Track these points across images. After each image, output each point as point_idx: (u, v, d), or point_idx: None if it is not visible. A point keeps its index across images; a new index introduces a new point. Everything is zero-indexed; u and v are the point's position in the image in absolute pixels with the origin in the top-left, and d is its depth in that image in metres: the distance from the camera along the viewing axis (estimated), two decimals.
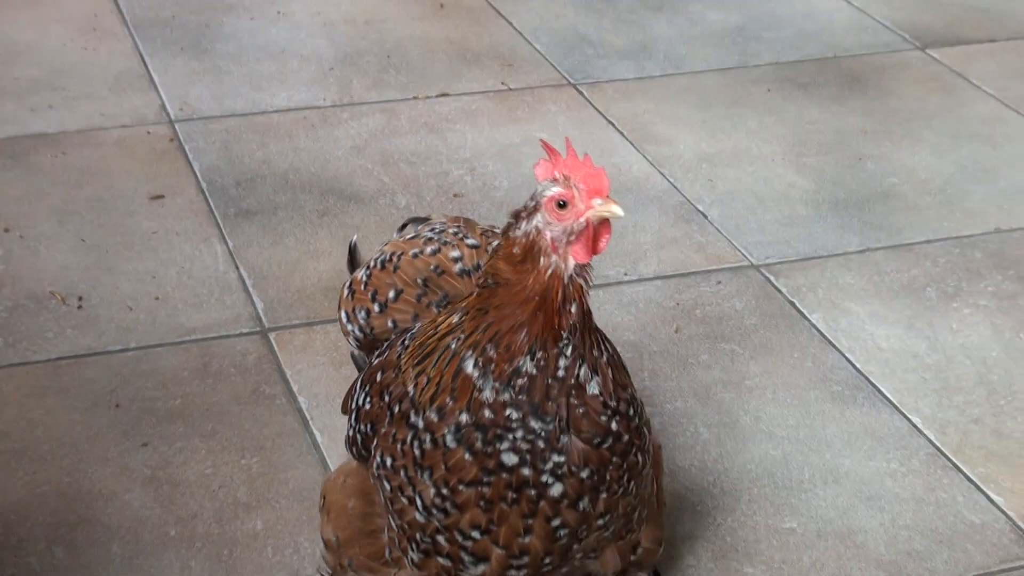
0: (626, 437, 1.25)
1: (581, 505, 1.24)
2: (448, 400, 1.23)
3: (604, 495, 1.25)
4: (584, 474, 1.22)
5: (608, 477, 1.24)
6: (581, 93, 2.62)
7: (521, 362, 1.20)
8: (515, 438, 1.21)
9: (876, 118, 2.60)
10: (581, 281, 1.21)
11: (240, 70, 2.64)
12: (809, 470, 1.80)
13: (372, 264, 1.48)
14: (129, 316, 2.01)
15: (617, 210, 1.19)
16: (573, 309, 1.21)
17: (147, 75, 2.59)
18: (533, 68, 2.71)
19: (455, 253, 1.41)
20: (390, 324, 1.43)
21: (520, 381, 1.20)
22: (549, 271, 1.20)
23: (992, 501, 1.77)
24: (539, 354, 1.20)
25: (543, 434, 1.21)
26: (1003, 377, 1.98)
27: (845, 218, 2.31)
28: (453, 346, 1.24)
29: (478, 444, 1.21)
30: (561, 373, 1.21)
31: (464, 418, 1.22)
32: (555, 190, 1.19)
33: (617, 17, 2.94)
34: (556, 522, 1.24)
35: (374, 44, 2.78)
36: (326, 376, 1.92)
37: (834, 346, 2.02)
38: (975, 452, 1.85)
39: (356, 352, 1.50)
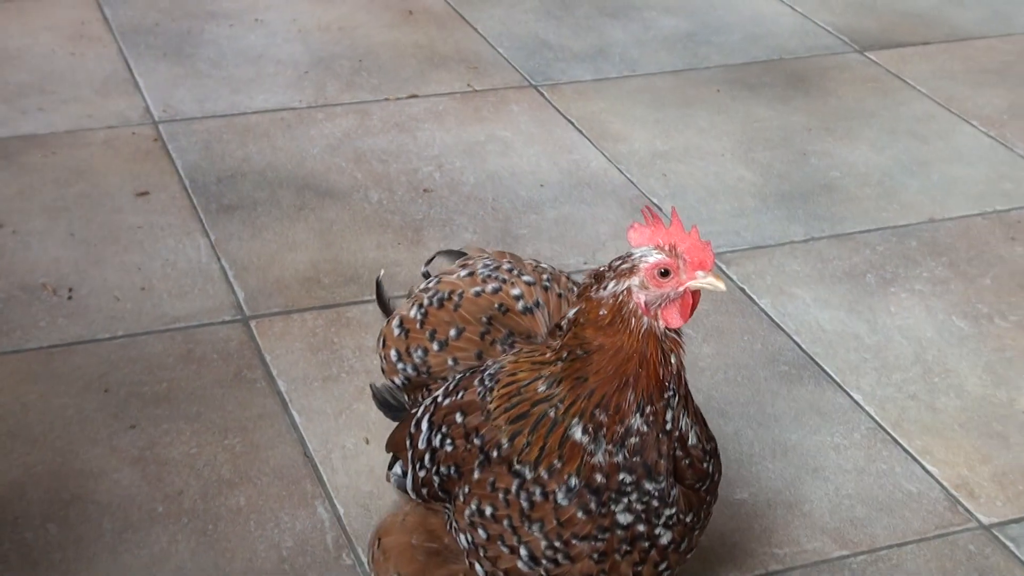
0: (717, 476, 1.27)
1: (683, 546, 1.25)
2: (556, 462, 1.21)
3: (697, 531, 1.27)
4: (688, 519, 1.23)
5: (703, 515, 1.26)
6: (542, 94, 2.62)
7: (632, 421, 1.19)
8: (630, 500, 1.20)
9: (819, 116, 2.61)
10: (675, 335, 1.20)
11: (220, 74, 2.63)
12: (759, 444, 1.81)
13: (426, 302, 1.43)
14: (117, 306, 2.00)
15: (720, 285, 1.18)
16: (673, 361, 1.20)
17: (132, 79, 2.58)
18: (497, 71, 2.70)
19: (516, 291, 1.38)
20: (450, 362, 1.38)
21: (632, 440, 1.19)
22: (643, 330, 1.18)
23: (928, 472, 1.78)
24: (648, 409, 1.19)
25: (657, 493, 1.20)
26: (937, 356, 1.99)
27: (790, 209, 2.32)
28: (552, 414, 1.21)
29: (592, 505, 1.20)
30: (668, 426, 1.20)
31: (574, 481, 1.20)
32: (658, 257, 1.17)
33: (575, 23, 2.94)
34: (663, 566, 1.24)
35: (347, 49, 2.77)
36: (303, 360, 1.91)
37: (781, 329, 2.03)
38: (912, 426, 1.85)
39: (391, 387, 1.47)
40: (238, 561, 1.58)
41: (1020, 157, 2.52)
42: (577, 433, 1.20)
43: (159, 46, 2.74)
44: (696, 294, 1.19)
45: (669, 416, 1.20)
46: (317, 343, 1.95)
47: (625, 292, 1.18)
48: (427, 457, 1.31)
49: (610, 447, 1.19)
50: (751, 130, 2.55)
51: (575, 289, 1.40)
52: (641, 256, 1.17)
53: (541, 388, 1.22)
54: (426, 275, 1.50)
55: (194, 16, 2.88)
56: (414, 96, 2.60)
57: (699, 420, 1.25)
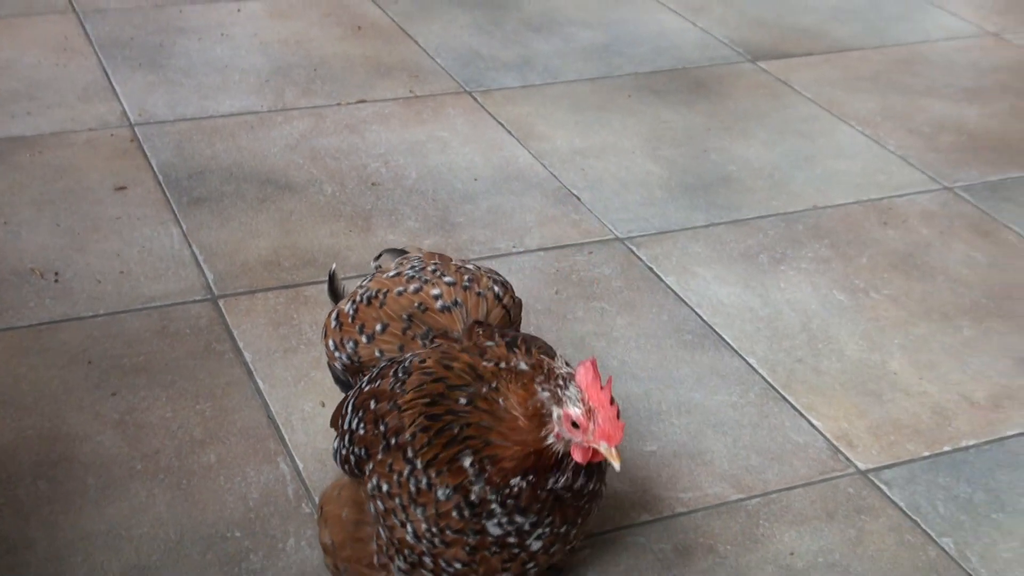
0: (602, 489, 1.26)
1: (553, 550, 1.24)
2: (444, 470, 1.20)
3: (573, 532, 1.26)
4: (562, 529, 1.23)
5: (580, 520, 1.25)
6: (475, 99, 2.62)
7: (514, 481, 1.19)
8: (500, 522, 1.20)
9: (717, 118, 2.63)
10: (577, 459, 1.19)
11: (190, 82, 2.61)
12: (666, 403, 1.81)
13: (358, 299, 1.44)
14: (98, 288, 1.98)
15: (616, 465, 1.16)
16: (565, 478, 1.21)
17: (110, 87, 2.56)
18: (435, 79, 2.70)
19: (436, 291, 1.37)
20: (377, 353, 1.38)
21: (509, 492, 1.19)
22: (546, 446, 1.18)
23: (813, 425, 1.80)
24: (531, 479, 1.19)
25: (529, 523, 1.21)
26: (820, 326, 2.01)
27: (693, 199, 2.33)
28: (456, 431, 1.21)
29: (466, 512, 1.20)
30: (549, 485, 1.20)
31: (453, 495, 1.20)
32: (575, 411, 1.16)
33: (504, 37, 2.94)
34: (530, 564, 1.24)
35: (303, 60, 2.76)
36: (267, 334, 1.91)
37: (685, 303, 2.04)
38: (799, 386, 1.87)
39: (339, 369, 1.46)
40: (209, 512, 1.58)
41: (891, 153, 2.55)
42: (466, 462, 1.20)
43: (135, 57, 2.72)
44: (597, 453, 1.18)
45: (550, 481, 1.20)
46: (278, 319, 1.94)
47: (548, 411, 1.18)
48: (347, 437, 1.32)
49: (487, 488, 1.19)
50: (658, 130, 2.56)
51: (494, 288, 1.42)
52: (569, 399, 1.17)
53: (462, 401, 1.22)
54: (377, 268, 1.51)
55: (166, 31, 2.86)
56: (363, 101, 2.59)
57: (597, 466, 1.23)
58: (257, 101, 2.57)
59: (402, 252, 1.50)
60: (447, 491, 1.20)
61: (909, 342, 1.98)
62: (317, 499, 1.60)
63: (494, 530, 1.20)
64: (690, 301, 2.04)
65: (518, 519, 1.20)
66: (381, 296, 1.42)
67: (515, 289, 1.98)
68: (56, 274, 2.01)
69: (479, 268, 1.43)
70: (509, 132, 2.51)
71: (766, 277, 2.11)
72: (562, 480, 1.20)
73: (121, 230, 2.13)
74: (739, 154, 2.49)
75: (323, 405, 1.76)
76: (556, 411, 1.17)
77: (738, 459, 1.72)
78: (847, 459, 1.74)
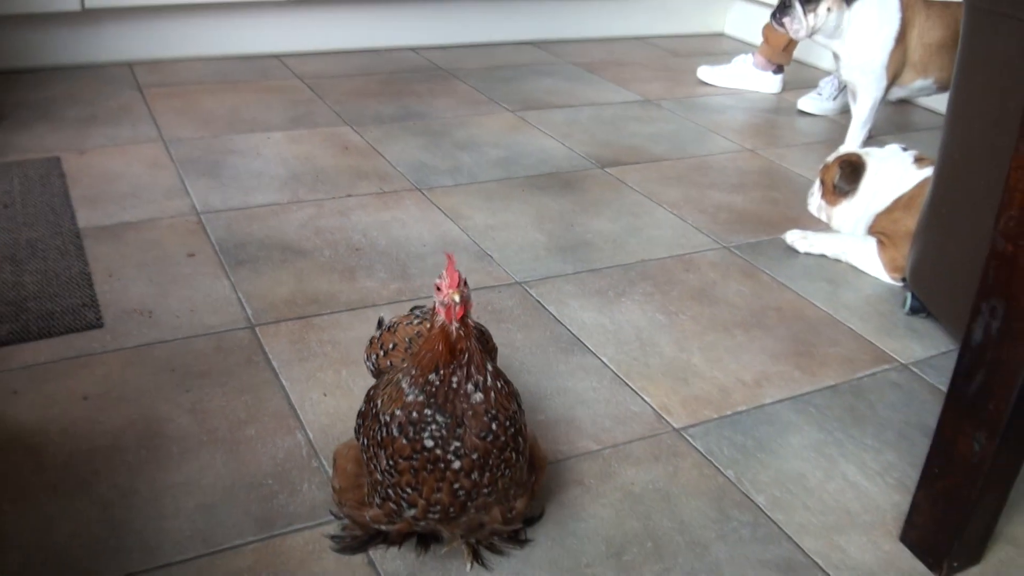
0: (503, 437, 1.21)
1: (472, 476, 1.20)
2: (394, 406, 1.20)
3: (487, 473, 1.21)
4: (474, 456, 1.19)
5: (490, 461, 1.21)
6: (423, 194, 2.61)
7: (430, 376, 1.18)
8: (431, 429, 1.18)
9: (579, 204, 2.64)
10: (462, 332, 1.18)
11: (235, 185, 2.58)
12: (549, 389, 1.82)
13: (384, 327, 1.46)
14: (177, 320, 1.95)
15: (455, 296, 1.17)
16: (459, 346, 1.18)
17: (185, 189, 2.52)
18: (397, 181, 2.69)
19: (429, 325, 1.38)
20: (388, 364, 1.40)
21: (429, 388, 1.18)
22: (438, 325, 1.18)
23: (645, 400, 1.81)
24: (441, 371, 1.18)
25: (445, 426, 1.18)
26: (648, 336, 2.02)
27: (565, 256, 2.34)
28: (399, 377, 1.22)
29: (411, 433, 1.18)
30: (454, 385, 1.18)
31: (400, 414, 1.19)
32: (436, 281, 1.18)
33: (442, 153, 2.94)
34: (456, 485, 1.20)
35: (310, 169, 2.74)
36: (288, 349, 1.89)
37: (561, 323, 2.05)
38: (635, 375, 1.88)
39: (371, 373, 1.49)
40: (251, 467, 1.56)
41: (689, 225, 2.57)
42: (404, 383, 1.20)
43: (200, 169, 2.68)
44: (462, 306, 1.18)
45: (455, 380, 1.18)
46: (295, 339, 1.92)
47: (434, 305, 1.20)
48: (358, 415, 1.32)
49: (416, 389, 1.19)
50: (542, 212, 2.57)
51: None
52: (435, 282, 1.19)
53: (404, 364, 1.26)
54: (415, 308, 1.52)
55: (221, 152, 2.84)
56: (349, 195, 2.58)
57: (492, 394, 1.21)
58: (280, 196, 2.55)
59: (422, 307, 1.52)
60: (397, 423, 1.19)
61: (704, 345, 2.00)
62: (323, 457, 1.59)
63: (428, 442, 1.18)
64: (564, 322, 2.05)
65: (439, 418, 1.17)
66: (395, 327, 1.45)
67: None
68: (150, 312, 1.98)
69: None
70: (446, 215, 2.51)
71: (612, 306, 2.12)
72: (457, 372, 1.18)
73: (191, 283, 2.10)
74: (593, 227, 2.50)
75: (324, 396, 1.75)
76: (435, 297, 1.19)
77: (597, 424, 1.73)
78: (667, 422, 1.75)
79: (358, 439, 1.31)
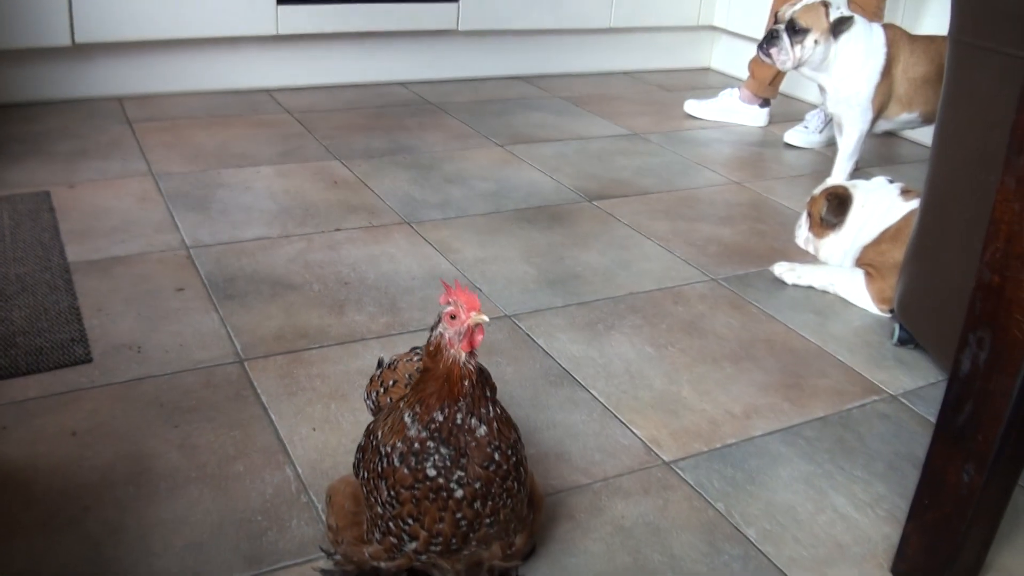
0: (505, 466, 1.20)
1: (475, 506, 1.19)
2: (395, 438, 1.19)
3: (490, 502, 1.20)
4: (476, 485, 1.18)
5: (493, 490, 1.19)
6: (412, 228, 2.62)
7: (435, 414, 1.17)
8: (434, 459, 1.16)
9: (568, 237, 2.65)
10: (471, 367, 1.17)
11: (225, 219, 2.59)
12: (539, 422, 1.82)
13: (384, 366, 1.46)
14: (166, 355, 1.95)
15: (484, 318, 1.16)
16: (466, 384, 1.17)
17: (174, 223, 2.52)
18: (386, 215, 2.70)
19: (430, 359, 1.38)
20: (388, 400, 1.39)
21: (433, 425, 1.16)
22: (450, 360, 1.16)
23: (634, 433, 1.81)
24: (446, 410, 1.17)
25: (448, 457, 1.17)
26: (637, 369, 2.02)
27: (554, 289, 2.34)
28: (401, 407, 1.21)
29: (412, 462, 1.17)
30: (459, 421, 1.17)
31: (401, 446, 1.18)
32: (449, 308, 1.16)
33: (431, 187, 2.95)
34: (459, 515, 1.19)
35: (299, 204, 2.74)
36: (276, 384, 1.88)
37: (550, 356, 2.05)
38: (625, 408, 1.88)
39: (370, 410, 1.47)
40: (240, 503, 1.55)
41: (678, 258, 2.59)
42: (407, 418, 1.18)
43: (190, 204, 2.69)
44: (478, 329, 1.17)
45: (459, 416, 1.17)
46: (283, 374, 1.92)
47: (439, 334, 1.17)
48: (357, 450, 1.30)
49: (419, 426, 1.17)
50: (530, 245, 2.58)
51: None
52: (442, 309, 1.17)
53: (401, 401, 1.23)
54: (414, 349, 1.50)
55: (210, 186, 2.84)
56: (338, 230, 2.58)
57: (495, 425, 1.20)
58: (269, 231, 2.56)
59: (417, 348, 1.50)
60: (399, 453, 1.18)
61: (693, 378, 2.01)
62: (312, 493, 1.58)
63: (431, 471, 1.16)
64: (553, 355, 2.05)
65: (443, 450, 1.16)
66: (395, 364, 1.44)
67: None
68: (139, 347, 1.97)
69: None
70: (435, 248, 2.51)
71: (602, 338, 2.13)
72: (462, 407, 1.17)
73: (180, 317, 2.09)
74: (583, 260, 2.51)
75: (313, 430, 1.74)
76: (439, 327, 1.17)
77: (587, 457, 1.73)
78: (657, 455, 1.75)
79: (357, 474, 1.30)
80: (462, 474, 1.18)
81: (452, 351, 1.16)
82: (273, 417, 1.78)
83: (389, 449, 1.19)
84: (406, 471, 1.18)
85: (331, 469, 1.63)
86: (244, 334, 2.04)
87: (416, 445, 1.17)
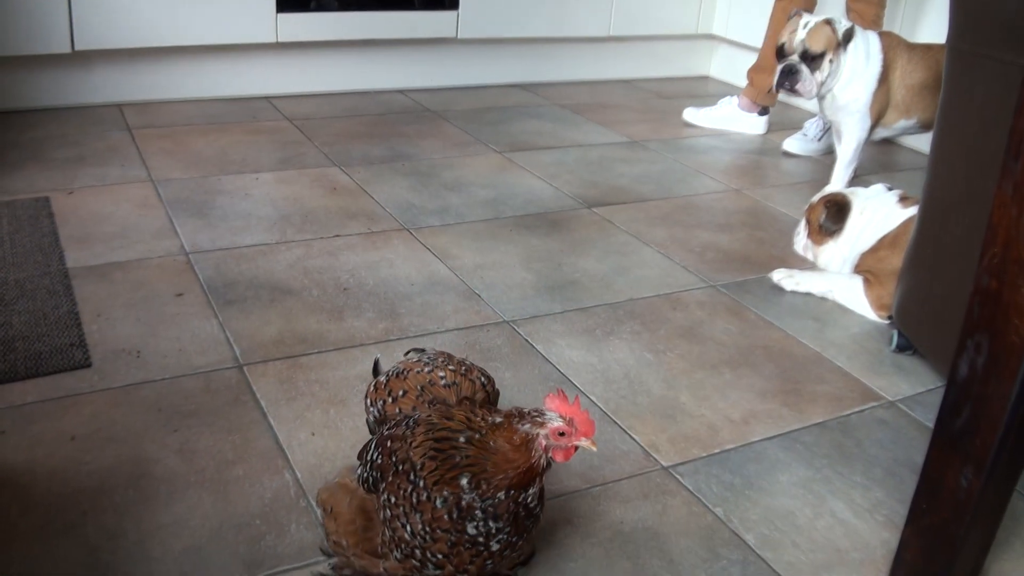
0: (539, 515, 1.23)
1: (506, 553, 1.20)
2: (445, 489, 1.17)
3: (520, 542, 1.22)
4: (515, 539, 1.20)
5: (524, 535, 1.22)
6: (412, 234, 2.62)
7: (499, 495, 1.16)
8: (478, 525, 1.17)
9: (567, 244, 2.65)
10: (548, 464, 1.18)
11: (224, 225, 2.59)
12: None
13: (390, 373, 1.42)
14: (165, 360, 1.95)
15: (594, 448, 1.17)
16: (540, 479, 1.19)
17: (173, 229, 2.53)
18: (385, 221, 2.71)
19: (441, 373, 1.35)
20: (397, 411, 1.35)
21: (491, 503, 1.16)
22: (536, 459, 1.16)
23: (633, 439, 1.81)
24: (512, 492, 1.17)
25: (496, 528, 1.17)
26: (636, 375, 2.02)
27: (553, 295, 2.35)
28: (457, 459, 1.18)
29: (454, 514, 1.17)
30: (518, 500, 1.18)
31: (448, 497, 1.17)
32: (560, 423, 1.15)
33: (430, 194, 2.96)
34: (489, 562, 1.20)
35: (298, 210, 2.75)
36: (276, 389, 1.88)
37: (549, 362, 2.05)
38: (624, 414, 1.88)
39: (371, 421, 1.42)
40: (239, 508, 1.55)
41: (677, 264, 2.59)
42: (464, 481, 1.17)
43: (189, 210, 2.69)
44: (576, 448, 1.18)
45: (522, 498, 1.18)
46: (283, 379, 1.92)
47: (535, 435, 1.16)
48: (369, 465, 1.28)
49: (476, 497, 1.17)
50: (529, 252, 2.58)
51: (481, 378, 1.40)
52: (550, 418, 1.16)
53: (461, 439, 1.19)
54: (406, 356, 1.48)
55: (209, 192, 2.85)
56: (337, 236, 2.59)
57: (541, 493, 1.22)
58: (268, 237, 2.56)
59: (422, 350, 1.48)
60: (443, 501, 1.17)
61: (692, 383, 2.01)
62: (311, 497, 1.58)
63: (471, 530, 1.17)
64: (552, 360, 2.05)
65: (491, 524, 1.17)
66: (405, 372, 1.40)
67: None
68: (138, 352, 1.97)
69: (472, 364, 1.42)
70: (434, 254, 2.52)
71: (600, 344, 2.13)
72: (531, 492, 1.18)
73: (180, 322, 2.10)
74: (581, 267, 2.52)
75: (312, 435, 1.74)
76: (541, 431, 1.16)
77: (585, 462, 1.73)
78: (655, 460, 1.75)
79: (367, 487, 1.28)
80: (503, 536, 1.19)
81: (541, 453, 1.17)
82: (272, 422, 1.78)
83: (433, 490, 1.18)
84: (445, 517, 1.17)
85: (330, 474, 1.63)
86: (243, 339, 2.05)
87: (464, 506, 1.17)
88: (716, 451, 1.79)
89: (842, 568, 1.52)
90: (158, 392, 1.85)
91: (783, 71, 3.04)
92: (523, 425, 1.17)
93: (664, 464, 1.74)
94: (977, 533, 1.41)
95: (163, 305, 2.17)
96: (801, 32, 2.99)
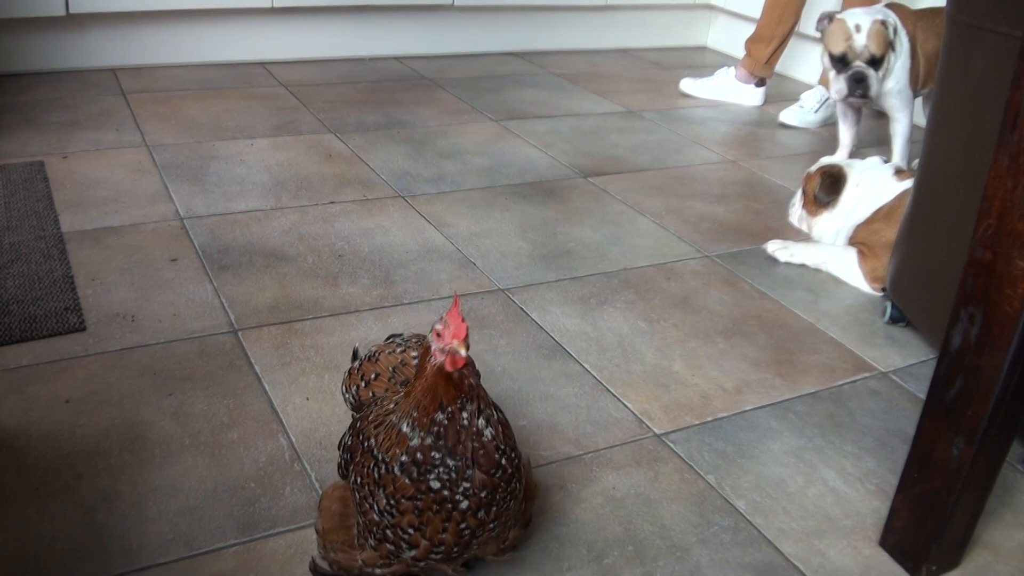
0: (509, 470, 1.18)
1: (479, 515, 1.16)
2: (395, 449, 1.14)
3: (494, 508, 1.17)
4: (483, 495, 1.15)
5: (497, 497, 1.17)
6: (407, 201, 2.62)
7: (436, 415, 1.13)
8: (439, 471, 1.13)
9: (562, 213, 2.64)
10: (465, 371, 1.13)
11: (219, 191, 2.58)
12: (532, 395, 1.82)
13: (363, 358, 1.41)
14: (160, 325, 1.94)
15: (461, 351, 1.11)
16: (467, 382, 1.13)
17: (168, 195, 2.52)
18: (380, 188, 2.69)
19: (413, 354, 1.34)
20: (371, 395, 1.34)
21: (436, 428, 1.12)
22: (436, 364, 1.12)
23: (626, 406, 1.81)
24: (448, 409, 1.12)
25: (455, 469, 1.13)
26: (630, 343, 2.03)
27: (547, 264, 2.34)
28: (394, 419, 1.16)
29: (415, 474, 1.13)
30: (465, 422, 1.13)
31: (404, 458, 1.13)
32: (437, 326, 1.12)
33: (425, 161, 2.95)
34: (463, 525, 1.16)
35: (293, 176, 2.74)
36: (270, 354, 1.88)
37: (544, 330, 2.05)
38: (617, 382, 1.89)
39: (350, 407, 1.41)
40: (234, 471, 1.55)
41: (671, 234, 2.59)
42: (404, 427, 1.14)
43: (184, 175, 2.68)
44: (458, 356, 1.13)
45: (464, 416, 1.13)
46: (277, 343, 1.92)
47: (428, 345, 1.14)
48: (342, 449, 1.28)
49: (421, 432, 1.13)
50: (525, 220, 2.57)
51: None
52: (433, 324, 1.13)
53: (390, 406, 1.19)
54: (386, 340, 1.46)
55: (204, 158, 2.83)
56: (332, 202, 2.58)
57: (499, 428, 1.17)
58: (263, 203, 2.55)
59: (400, 335, 1.46)
60: (399, 464, 1.13)
61: (685, 352, 2.01)
62: (305, 461, 1.59)
63: (434, 483, 1.12)
64: (547, 328, 2.05)
65: (449, 462, 1.12)
66: (376, 355, 1.39)
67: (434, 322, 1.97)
68: (133, 317, 1.97)
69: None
70: (429, 222, 2.51)
71: (595, 313, 2.13)
72: (464, 407, 1.13)
73: (174, 287, 2.09)
74: (576, 236, 2.51)
75: (307, 400, 1.74)
76: (430, 337, 1.14)
77: (579, 429, 1.73)
78: (648, 427, 1.76)
79: (345, 476, 1.27)
80: (468, 485, 1.14)
81: (438, 359, 1.13)
82: (267, 387, 1.78)
83: (387, 458, 1.15)
84: (407, 481, 1.14)
85: (325, 439, 1.64)
86: (238, 305, 2.04)
87: (419, 455, 1.13)
88: (709, 419, 1.79)
89: (832, 535, 1.53)
90: (153, 356, 1.84)
91: (853, 79, 2.95)
92: (424, 344, 1.16)
93: (657, 432, 1.74)
94: (967, 502, 1.42)
95: (158, 270, 2.16)
96: (860, 38, 2.90)
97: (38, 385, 1.73)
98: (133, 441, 1.60)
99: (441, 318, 1.14)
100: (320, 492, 1.47)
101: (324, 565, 1.30)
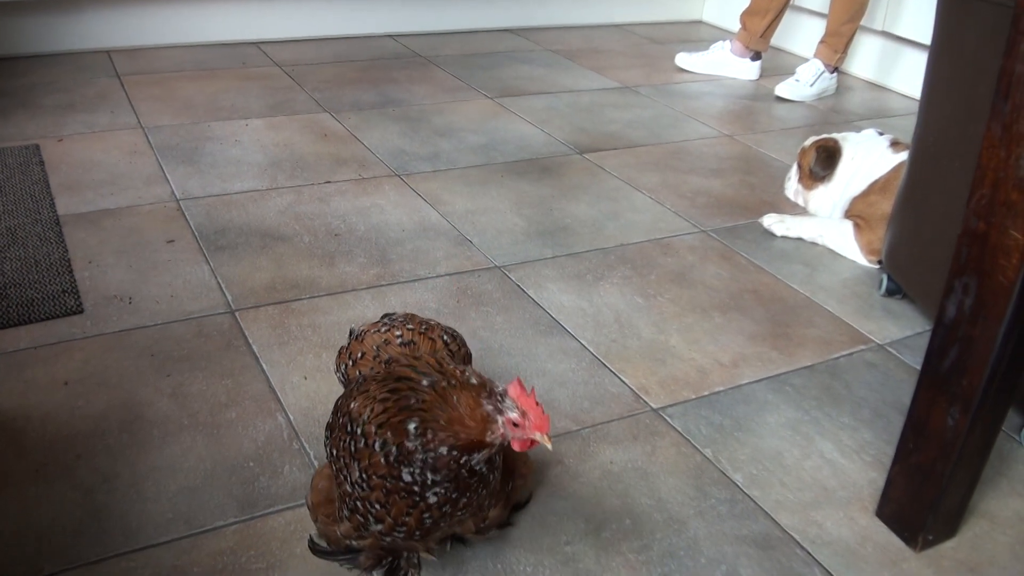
0: (490, 478, 1.18)
1: (444, 509, 1.14)
2: (387, 431, 1.11)
3: (462, 499, 1.15)
4: (453, 496, 1.14)
5: (467, 497, 1.16)
6: (402, 180, 2.61)
7: (442, 449, 1.10)
8: (413, 470, 1.11)
9: (558, 189, 2.63)
10: (516, 448, 1.12)
11: (215, 171, 2.57)
12: (530, 371, 1.82)
13: (352, 337, 1.39)
14: (157, 306, 1.94)
15: (548, 445, 1.10)
16: (489, 451, 1.12)
17: (164, 176, 2.51)
18: (376, 167, 2.68)
19: (397, 332, 1.32)
20: (358, 373, 1.31)
21: (433, 455, 1.10)
22: (490, 440, 1.10)
23: (623, 381, 1.81)
24: (454, 452, 1.10)
25: (430, 480, 1.11)
26: (626, 319, 2.02)
27: (544, 241, 2.34)
28: (412, 401, 1.12)
29: (391, 458, 1.11)
30: (461, 461, 1.11)
31: (390, 441, 1.11)
32: (514, 415, 1.08)
33: (421, 139, 2.93)
34: (426, 515, 1.14)
35: (289, 156, 2.73)
36: (267, 334, 1.88)
37: (540, 306, 2.04)
38: (614, 357, 1.88)
39: (344, 386, 1.39)
40: (232, 450, 1.55)
41: (668, 210, 2.58)
42: (411, 426, 1.10)
43: (179, 156, 2.67)
44: (534, 442, 1.11)
45: (464, 460, 1.11)
46: (274, 323, 1.92)
47: (492, 418, 1.09)
48: (327, 428, 1.27)
49: (420, 446, 1.10)
50: (520, 197, 2.57)
51: (444, 336, 1.36)
52: (507, 407, 1.09)
53: (424, 383, 1.13)
54: (384, 316, 1.44)
55: (199, 139, 2.82)
56: (328, 182, 2.57)
57: (497, 470, 1.17)
58: (259, 183, 2.54)
59: (392, 314, 1.44)
60: (383, 444, 1.11)
61: (682, 327, 2.01)
62: (304, 439, 1.59)
63: (406, 477, 1.11)
64: (543, 305, 2.05)
65: (428, 474, 1.11)
66: (363, 335, 1.38)
67: (431, 300, 1.98)
68: (130, 298, 1.96)
69: (438, 324, 1.37)
70: (424, 200, 2.50)
71: (591, 289, 2.13)
72: (476, 458, 1.11)
73: (171, 268, 2.09)
74: (572, 212, 2.51)
75: (305, 379, 1.74)
76: (499, 418, 1.10)
77: (576, 404, 1.73)
78: (645, 402, 1.76)
79: (327, 451, 1.26)
80: (440, 490, 1.13)
81: (500, 439, 1.10)
82: (264, 366, 1.78)
83: (373, 431, 1.13)
84: (382, 460, 1.12)
85: (323, 417, 1.64)
86: (235, 285, 2.04)
87: (405, 451, 1.11)
88: (705, 393, 1.79)
89: (829, 506, 1.53)
90: (150, 337, 1.84)
91: None
92: (487, 404, 1.11)
93: (654, 406, 1.74)
94: (963, 472, 1.42)
95: (154, 252, 2.15)
96: None
97: (36, 368, 1.73)
98: (132, 422, 1.60)
99: (504, 391, 1.10)
100: None
101: (321, 543, 1.30)
